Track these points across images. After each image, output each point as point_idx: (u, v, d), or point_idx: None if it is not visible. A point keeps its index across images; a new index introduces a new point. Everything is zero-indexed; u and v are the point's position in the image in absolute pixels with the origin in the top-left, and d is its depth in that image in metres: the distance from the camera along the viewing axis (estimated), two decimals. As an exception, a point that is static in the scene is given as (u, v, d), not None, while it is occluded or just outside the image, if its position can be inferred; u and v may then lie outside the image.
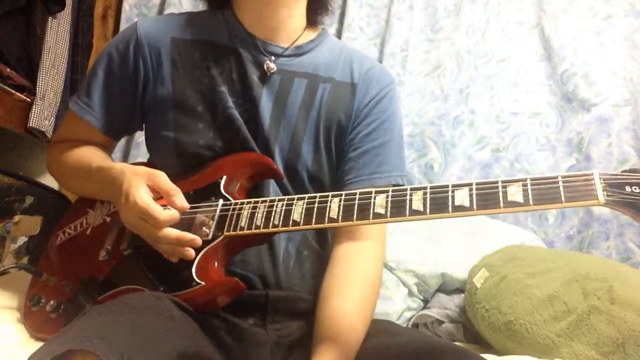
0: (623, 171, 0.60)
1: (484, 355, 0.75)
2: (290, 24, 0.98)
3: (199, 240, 0.78)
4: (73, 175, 0.99)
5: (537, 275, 1.13)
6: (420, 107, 1.76)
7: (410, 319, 1.35)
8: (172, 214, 0.77)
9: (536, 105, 1.70)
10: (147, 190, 0.79)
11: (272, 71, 0.94)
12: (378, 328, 0.83)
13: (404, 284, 1.38)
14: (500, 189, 0.63)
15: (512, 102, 1.71)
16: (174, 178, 0.82)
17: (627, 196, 0.58)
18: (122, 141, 1.87)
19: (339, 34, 1.84)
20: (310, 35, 1.01)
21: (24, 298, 0.97)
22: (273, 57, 0.95)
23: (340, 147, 0.96)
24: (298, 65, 0.97)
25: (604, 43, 1.68)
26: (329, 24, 1.84)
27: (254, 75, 0.94)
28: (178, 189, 0.80)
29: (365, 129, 0.96)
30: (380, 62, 1.79)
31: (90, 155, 0.97)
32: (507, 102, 1.72)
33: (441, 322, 1.30)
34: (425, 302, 1.40)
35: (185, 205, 0.79)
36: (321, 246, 0.96)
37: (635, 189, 0.58)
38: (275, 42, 0.97)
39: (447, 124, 1.71)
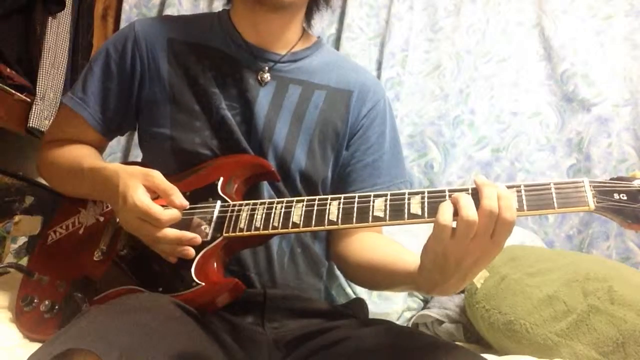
0: (611, 179, 0.63)
1: (484, 355, 0.75)
2: (287, 34, 1.00)
3: (198, 239, 0.78)
4: (64, 177, 0.98)
5: (537, 275, 1.13)
6: (420, 107, 1.76)
7: (410, 319, 1.35)
8: (173, 213, 0.77)
9: (536, 105, 1.70)
10: (145, 190, 0.78)
11: (266, 81, 0.95)
12: (378, 328, 0.83)
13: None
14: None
15: (512, 102, 1.71)
16: (169, 179, 0.82)
17: (616, 203, 0.61)
18: (122, 141, 1.87)
19: (339, 34, 1.84)
20: (306, 43, 1.03)
21: (15, 298, 0.96)
22: (269, 64, 0.97)
23: (338, 151, 0.99)
24: (293, 72, 0.98)
25: (604, 43, 1.68)
26: (329, 23, 1.84)
27: (249, 80, 0.95)
28: (175, 188, 0.80)
29: (366, 142, 0.99)
30: (380, 62, 1.80)
31: (81, 155, 0.96)
32: (507, 102, 1.72)
33: (441, 322, 1.30)
34: (425, 302, 1.40)
35: (185, 203, 0.79)
36: (314, 243, 0.96)
37: (622, 196, 0.61)
38: (272, 49, 0.98)
39: (447, 124, 1.71)
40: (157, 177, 0.80)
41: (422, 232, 1.42)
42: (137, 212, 0.76)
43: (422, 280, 0.72)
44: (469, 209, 0.61)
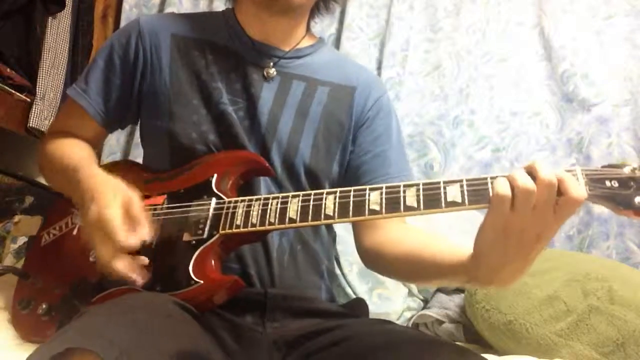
0: (603, 166, 0.64)
1: (484, 355, 0.75)
2: (291, 33, 1.01)
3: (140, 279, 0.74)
4: (54, 170, 0.95)
5: (537, 275, 1.13)
6: (420, 107, 1.76)
7: (410, 319, 1.35)
8: (136, 239, 0.73)
9: (536, 105, 1.70)
10: (120, 213, 0.74)
11: (272, 76, 0.96)
12: (377, 327, 0.83)
13: (404, 284, 1.38)
14: (489, 184, 0.64)
15: (512, 102, 1.71)
16: (165, 176, 0.81)
17: (607, 190, 0.61)
18: (122, 141, 1.87)
19: (339, 34, 1.84)
20: (310, 41, 1.04)
21: (12, 300, 0.95)
22: (273, 59, 0.97)
23: (344, 145, 0.99)
24: (297, 68, 0.99)
25: (604, 43, 1.68)
26: (329, 23, 1.84)
27: (253, 76, 0.96)
28: (146, 221, 0.75)
29: (373, 133, 1.00)
30: (380, 62, 1.80)
31: (73, 153, 0.93)
32: (507, 102, 1.72)
33: (441, 322, 1.30)
34: (425, 302, 1.40)
35: (145, 237, 0.74)
36: (315, 241, 0.96)
37: (614, 183, 0.61)
38: (276, 46, 0.99)
39: (447, 124, 1.71)
40: (136, 203, 0.76)
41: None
42: (106, 227, 0.72)
43: (478, 268, 0.68)
44: (525, 178, 0.60)
